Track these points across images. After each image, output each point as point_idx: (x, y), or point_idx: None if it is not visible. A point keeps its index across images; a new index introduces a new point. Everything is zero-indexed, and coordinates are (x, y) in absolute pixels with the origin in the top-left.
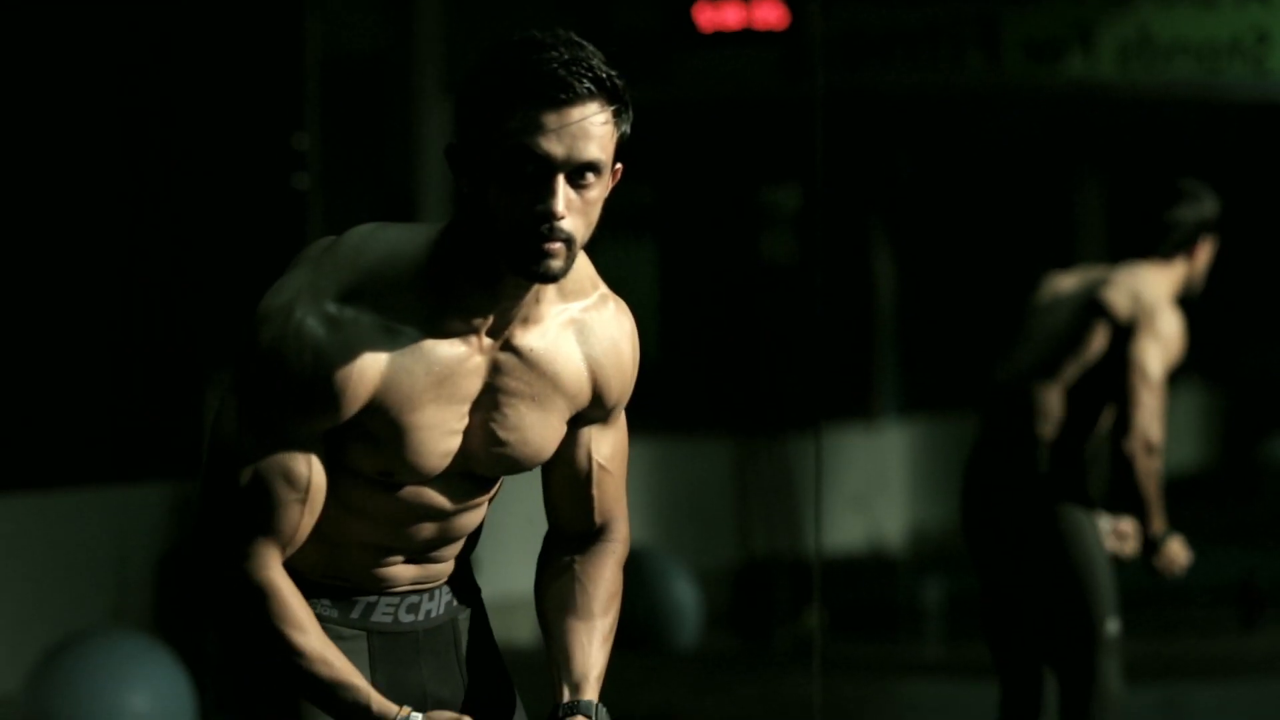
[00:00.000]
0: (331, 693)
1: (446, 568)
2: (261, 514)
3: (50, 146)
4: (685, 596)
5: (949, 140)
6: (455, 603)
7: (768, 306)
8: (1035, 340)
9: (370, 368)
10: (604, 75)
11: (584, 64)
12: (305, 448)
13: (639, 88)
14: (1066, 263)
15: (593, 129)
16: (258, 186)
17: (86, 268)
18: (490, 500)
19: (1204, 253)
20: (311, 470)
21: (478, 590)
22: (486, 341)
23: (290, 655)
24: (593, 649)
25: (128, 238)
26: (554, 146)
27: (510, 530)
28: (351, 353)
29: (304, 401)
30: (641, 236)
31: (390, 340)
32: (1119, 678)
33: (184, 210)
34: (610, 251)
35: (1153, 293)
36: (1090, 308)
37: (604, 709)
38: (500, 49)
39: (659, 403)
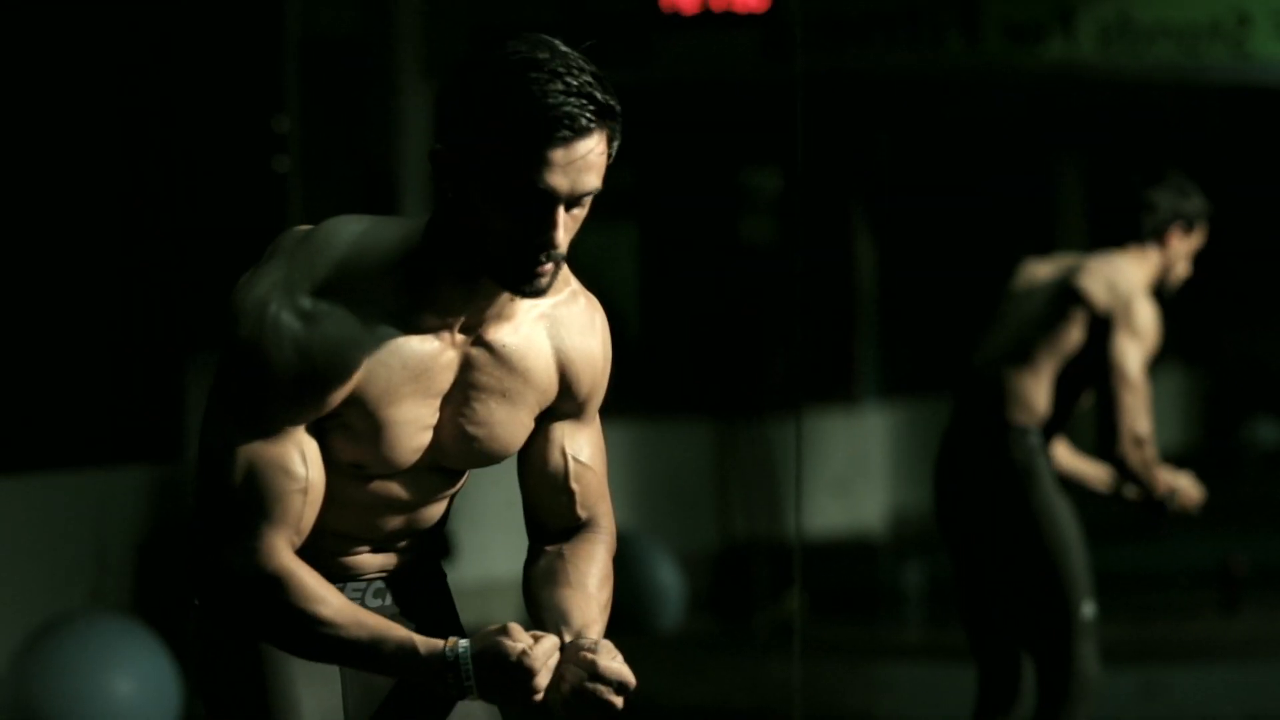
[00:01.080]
0: (375, 650)
1: (412, 556)
2: (263, 507)
3: (38, 138)
4: (666, 579)
5: (929, 122)
6: (421, 588)
7: (748, 289)
8: (1010, 326)
9: (350, 361)
10: (606, 102)
11: (587, 92)
12: (297, 439)
13: (618, 70)
14: (1046, 245)
15: (595, 160)
16: (238, 169)
17: (66, 254)
18: (455, 493)
19: (1178, 243)
20: (307, 461)
21: (443, 575)
22: (459, 337)
23: (323, 629)
24: (591, 611)
25: (106, 222)
26: (558, 181)
27: (490, 514)
28: (331, 346)
29: (288, 395)
30: (622, 219)
31: (367, 334)
32: (1096, 660)
33: (163, 193)
34: (591, 235)
35: (1129, 282)
36: (1066, 295)
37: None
38: (496, 70)
39: (640, 385)
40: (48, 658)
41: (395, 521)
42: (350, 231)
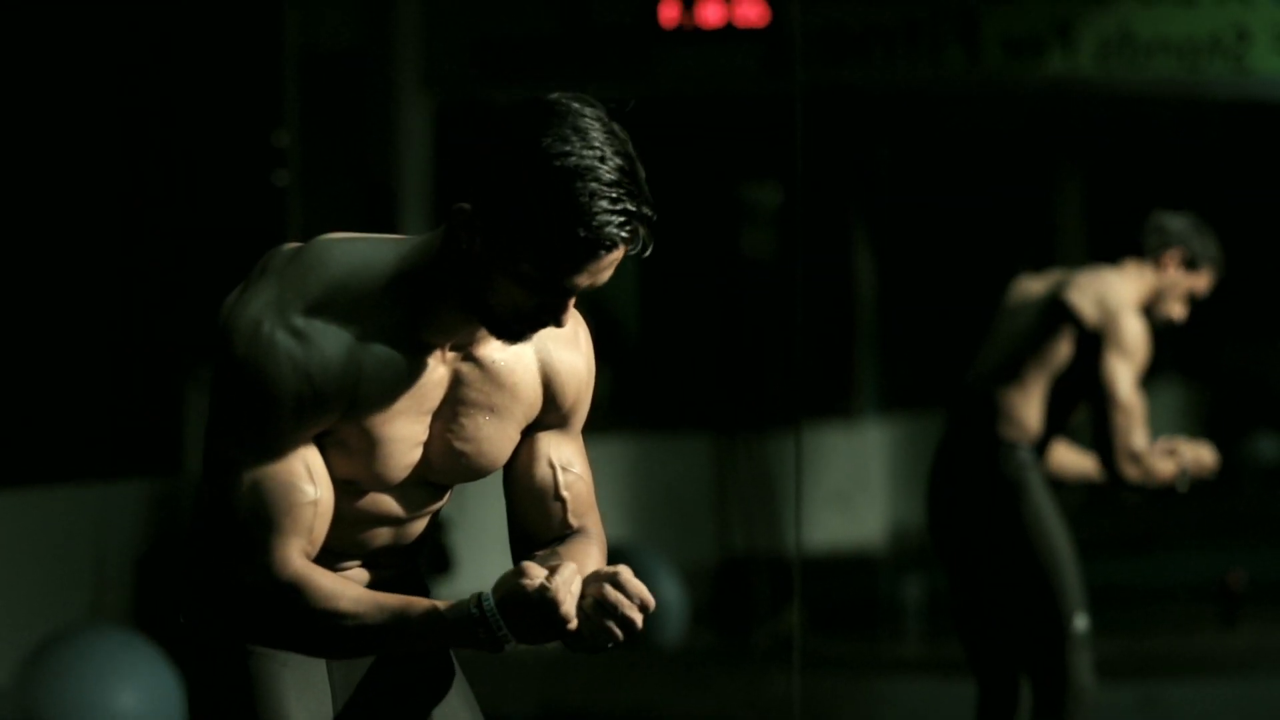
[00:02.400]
0: (402, 628)
1: (396, 571)
2: (273, 521)
3: (39, 145)
4: (666, 593)
5: (929, 137)
6: None
7: (748, 303)
8: (1001, 341)
9: (347, 379)
10: (642, 213)
11: (626, 208)
12: (302, 454)
13: (619, 84)
14: (1046, 259)
15: (617, 262)
16: (238, 183)
17: (65, 268)
18: (440, 508)
19: (1175, 272)
20: (314, 476)
21: (427, 591)
22: (450, 354)
23: (347, 622)
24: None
25: (106, 235)
26: (583, 281)
27: (488, 528)
28: (327, 364)
29: (287, 413)
30: None
31: (362, 352)
32: (1090, 673)
33: (163, 207)
34: None
35: (1117, 297)
36: (1055, 310)
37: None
38: (541, 170)
39: (639, 399)
40: (49, 671)
41: (383, 536)
42: (340, 249)
